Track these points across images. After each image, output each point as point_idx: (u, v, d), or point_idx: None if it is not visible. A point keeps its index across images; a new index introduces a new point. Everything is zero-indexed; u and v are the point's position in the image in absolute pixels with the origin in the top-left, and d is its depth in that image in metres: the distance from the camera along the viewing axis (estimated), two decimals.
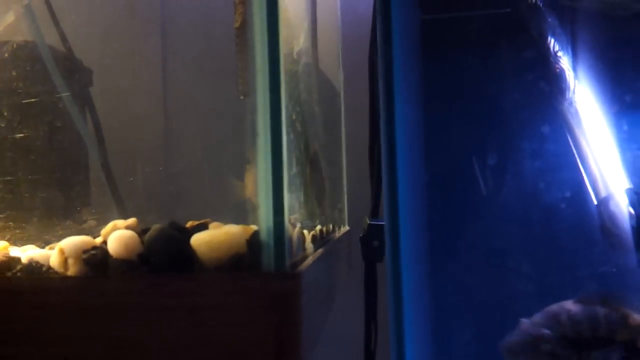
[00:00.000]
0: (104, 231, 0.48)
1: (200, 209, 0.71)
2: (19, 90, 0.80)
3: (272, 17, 0.44)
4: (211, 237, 0.43)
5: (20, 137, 0.81)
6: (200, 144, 0.82)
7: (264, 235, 0.43)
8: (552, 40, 0.74)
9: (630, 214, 0.62)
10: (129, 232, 0.44)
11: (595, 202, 0.64)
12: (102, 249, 0.44)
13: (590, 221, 0.66)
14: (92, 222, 0.80)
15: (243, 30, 0.60)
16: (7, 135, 0.80)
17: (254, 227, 0.44)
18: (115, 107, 0.90)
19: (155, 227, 0.44)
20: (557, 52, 0.73)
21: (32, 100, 0.80)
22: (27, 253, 0.48)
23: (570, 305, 0.69)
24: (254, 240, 0.43)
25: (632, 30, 0.75)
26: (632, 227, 0.62)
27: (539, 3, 0.79)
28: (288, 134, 0.46)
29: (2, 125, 0.80)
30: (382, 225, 0.81)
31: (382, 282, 0.87)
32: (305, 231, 0.59)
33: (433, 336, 0.71)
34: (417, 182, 0.63)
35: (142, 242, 0.44)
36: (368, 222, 0.91)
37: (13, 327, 0.43)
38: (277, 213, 0.43)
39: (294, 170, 0.50)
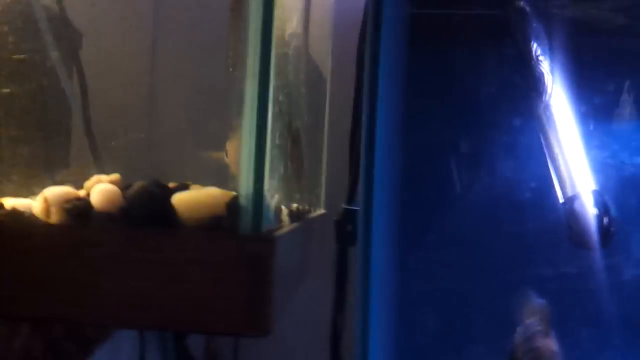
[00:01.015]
0: (87, 184, 0.49)
1: (180, 175, 0.73)
2: (9, 46, 0.80)
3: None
4: (192, 197, 0.45)
5: (6, 92, 0.81)
6: (184, 113, 0.83)
7: (243, 200, 0.45)
8: (535, 44, 0.77)
9: (594, 214, 0.65)
10: (112, 187, 0.46)
11: (562, 201, 0.67)
12: (85, 200, 0.46)
13: (556, 219, 0.69)
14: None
15: (238, 4, 0.61)
16: None
17: (233, 193, 0.46)
18: (102, 71, 0.90)
19: (138, 184, 0.46)
20: (538, 56, 0.76)
21: (21, 57, 0.81)
22: (8, 201, 0.49)
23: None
24: (233, 204, 0.45)
25: (609, 41, 0.78)
26: (596, 227, 0.65)
27: (525, 8, 0.82)
28: (274, 107, 0.47)
29: None
30: (357, 210, 0.83)
31: (354, 265, 0.89)
32: (283, 207, 0.60)
33: (398, 322, 0.73)
34: (393, 170, 0.65)
35: (125, 197, 0.46)
36: (343, 206, 0.93)
37: None
38: (257, 180, 0.45)
39: (277, 142, 0.51)
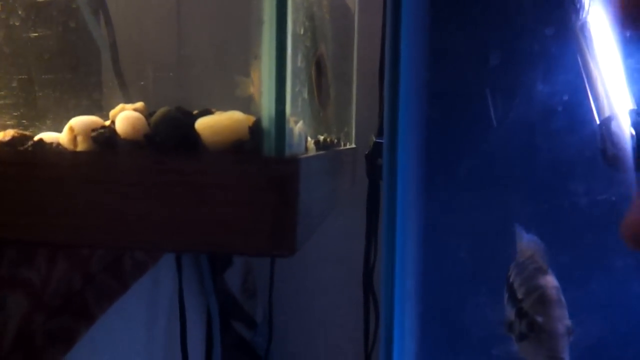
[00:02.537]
0: (112, 112, 0.49)
1: (206, 105, 0.73)
2: None
3: None
4: (215, 122, 0.45)
5: (34, 36, 0.82)
6: (208, 43, 0.82)
7: (265, 123, 0.44)
8: None
9: (631, 134, 0.63)
10: (136, 114, 0.46)
11: (598, 122, 0.65)
12: (110, 128, 0.46)
13: (591, 142, 0.67)
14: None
15: None
16: (21, 34, 0.81)
17: (256, 116, 0.46)
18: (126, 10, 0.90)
19: (161, 110, 0.46)
20: None
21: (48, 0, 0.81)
22: (38, 135, 0.50)
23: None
24: (256, 128, 0.45)
25: None
26: (633, 148, 0.62)
27: None
28: (294, 25, 0.46)
29: (17, 24, 0.81)
30: None
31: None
32: (308, 136, 0.60)
33: (424, 250, 0.73)
34: (419, 97, 0.63)
35: (149, 124, 0.46)
36: (374, 139, 0.92)
37: (24, 198, 0.46)
38: (279, 102, 0.44)
39: (299, 65, 0.51)
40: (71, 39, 0.85)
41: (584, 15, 0.69)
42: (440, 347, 0.82)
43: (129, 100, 0.87)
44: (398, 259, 0.64)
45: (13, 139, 0.46)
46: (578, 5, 0.70)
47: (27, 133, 0.49)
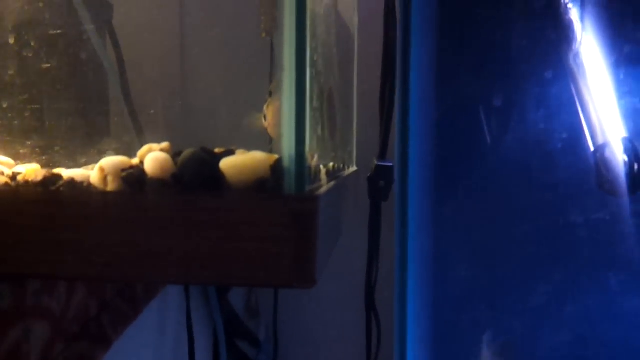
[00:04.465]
0: (140, 152, 0.52)
1: (219, 139, 0.76)
2: (46, 22, 0.83)
3: None
4: (239, 161, 0.48)
5: (46, 67, 0.84)
6: (219, 79, 0.85)
7: (286, 162, 0.47)
8: None
9: (624, 161, 0.66)
10: (164, 155, 0.48)
11: (592, 149, 0.68)
12: (139, 168, 0.49)
13: (586, 167, 0.71)
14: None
15: None
16: (33, 65, 0.83)
17: (276, 155, 0.49)
18: (133, 42, 0.93)
19: (188, 151, 0.49)
20: (567, 3, 0.76)
21: (58, 31, 0.83)
22: (65, 172, 0.52)
23: None
24: (277, 166, 0.48)
25: None
26: (626, 174, 0.66)
27: None
28: (311, 69, 0.49)
29: (30, 55, 0.83)
30: (389, 166, 0.86)
31: (386, 220, 0.92)
32: (321, 166, 0.63)
33: (433, 272, 0.76)
34: (427, 123, 0.67)
35: (175, 163, 0.49)
36: (376, 162, 0.95)
37: (56, 236, 0.48)
38: (299, 143, 0.47)
39: (314, 105, 0.54)
40: (81, 69, 0.87)
41: (576, 46, 0.73)
42: None
43: (138, 126, 0.90)
44: (410, 278, 0.67)
45: (45, 179, 0.49)
46: (571, 36, 0.73)
47: (57, 172, 0.51)
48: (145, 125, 0.87)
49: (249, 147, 0.57)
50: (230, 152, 0.50)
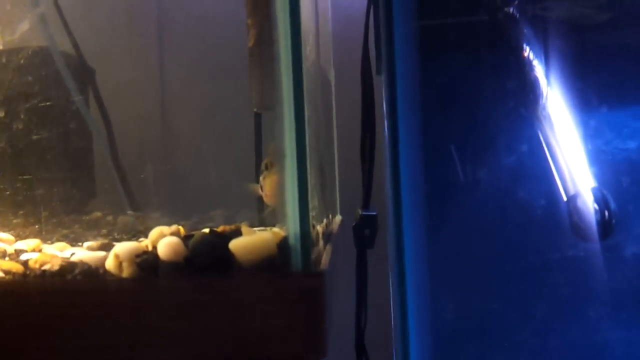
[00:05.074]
0: (151, 236, 0.55)
1: (207, 205, 0.78)
2: (35, 94, 0.85)
3: (295, 36, 0.51)
4: (247, 242, 0.51)
5: (36, 138, 0.86)
6: (202, 143, 0.88)
7: (292, 240, 0.51)
8: (528, 49, 0.83)
9: (595, 209, 0.71)
10: (176, 239, 0.51)
11: (565, 199, 0.73)
12: (153, 253, 0.51)
13: (560, 214, 0.75)
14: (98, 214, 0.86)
15: (257, 49, 0.67)
16: (23, 137, 0.85)
17: (282, 233, 0.52)
18: (117, 107, 0.96)
19: (198, 234, 0.52)
20: (531, 60, 0.81)
21: (47, 103, 0.86)
22: (77, 255, 0.55)
23: None
24: (283, 245, 0.51)
25: (594, 38, 0.84)
26: (597, 222, 0.71)
27: (514, 13, 0.87)
28: (310, 143, 0.53)
29: (20, 127, 0.85)
30: (373, 215, 0.90)
31: (372, 267, 0.95)
32: (318, 227, 0.66)
33: (431, 309, 0.80)
34: (415, 172, 0.71)
35: (186, 246, 0.52)
36: (360, 212, 0.99)
37: (76, 323, 0.50)
38: (303, 222, 0.51)
39: (314, 181, 0.57)
40: (71, 138, 0.90)
41: (543, 101, 0.78)
42: None
43: (128, 192, 0.92)
44: (410, 317, 0.71)
45: (61, 268, 0.51)
46: (538, 92, 0.79)
47: (71, 260, 0.53)
48: (133, 189, 0.89)
49: (244, 217, 0.60)
50: (237, 232, 0.53)
